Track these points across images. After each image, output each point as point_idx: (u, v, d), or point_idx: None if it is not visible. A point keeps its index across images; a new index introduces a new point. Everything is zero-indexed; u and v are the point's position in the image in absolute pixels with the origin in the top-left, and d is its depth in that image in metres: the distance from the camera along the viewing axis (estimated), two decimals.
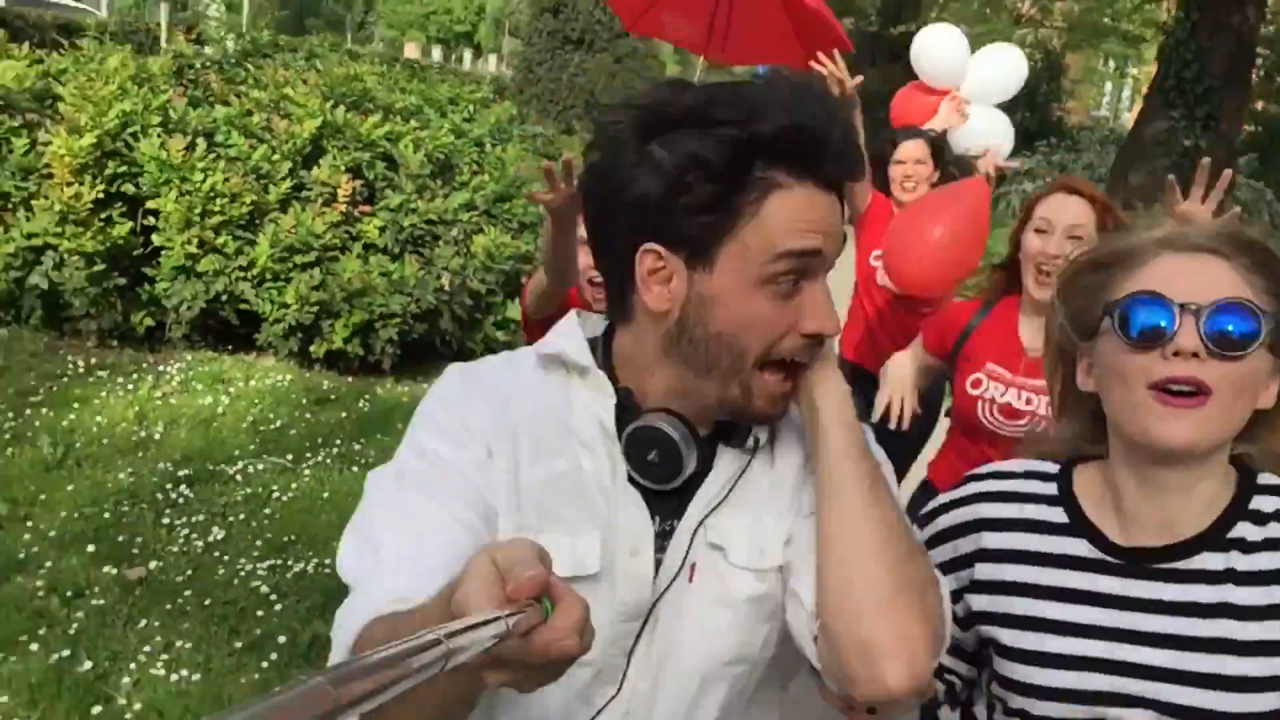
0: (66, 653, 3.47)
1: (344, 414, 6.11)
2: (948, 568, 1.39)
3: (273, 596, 4.02)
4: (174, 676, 3.43)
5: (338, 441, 5.71)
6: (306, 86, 7.78)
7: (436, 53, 30.75)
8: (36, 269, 6.24)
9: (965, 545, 1.40)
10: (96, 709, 3.23)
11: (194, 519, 4.59)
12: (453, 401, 1.18)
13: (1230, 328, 1.14)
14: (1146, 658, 1.23)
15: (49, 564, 4.03)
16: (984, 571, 1.36)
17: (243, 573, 4.17)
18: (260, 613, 3.90)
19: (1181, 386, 1.15)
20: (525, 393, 1.19)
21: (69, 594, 3.85)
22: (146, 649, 3.57)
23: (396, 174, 7.22)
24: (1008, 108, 7.21)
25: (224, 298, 6.46)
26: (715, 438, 1.21)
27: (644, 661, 1.17)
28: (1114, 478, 1.29)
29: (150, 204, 6.36)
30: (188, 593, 3.96)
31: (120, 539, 4.30)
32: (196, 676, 3.46)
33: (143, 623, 3.73)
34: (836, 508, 1.12)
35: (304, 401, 6.16)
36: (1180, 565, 1.24)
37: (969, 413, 2.74)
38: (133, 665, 3.46)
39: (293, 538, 4.55)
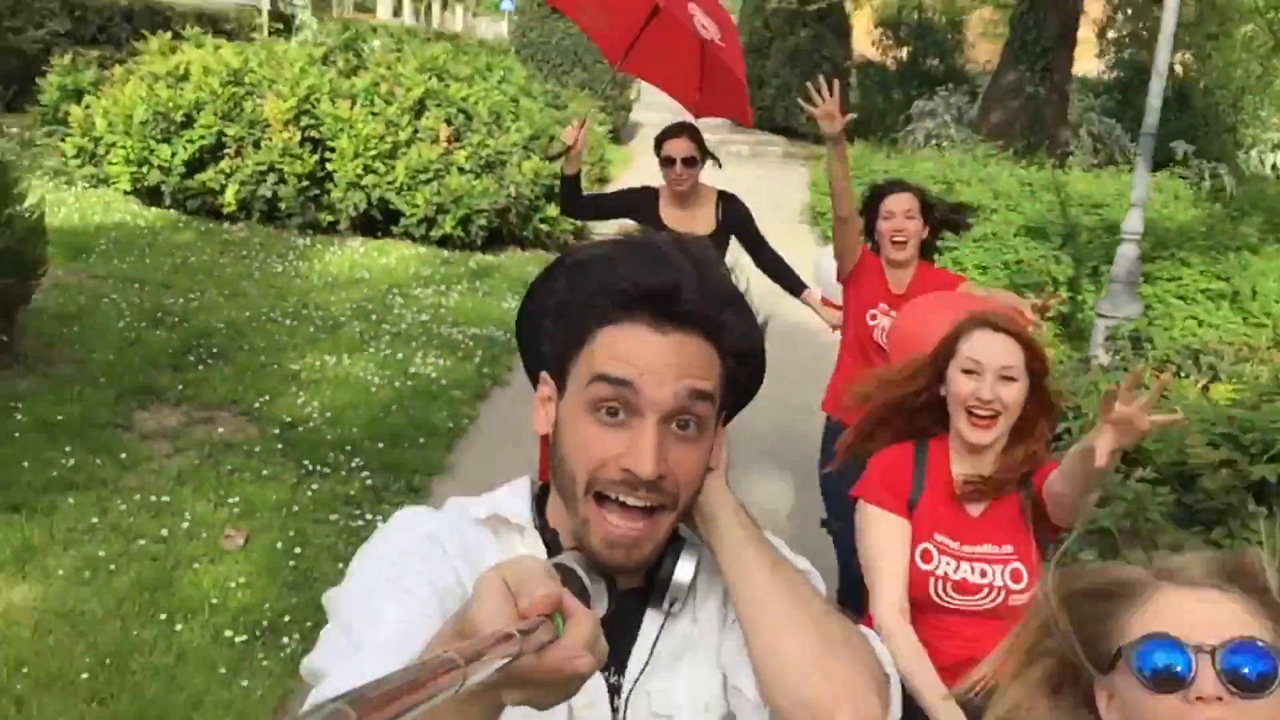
0: None
1: (457, 270, 10.03)
2: None
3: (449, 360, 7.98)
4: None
5: (456, 285, 9.61)
6: (405, 67, 11.54)
7: (407, 12, 32.09)
8: (262, 185, 10.08)
9: None
10: None
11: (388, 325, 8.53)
12: (413, 552, 1.15)
13: (1247, 670, 1.09)
14: None
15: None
16: None
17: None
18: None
19: None
20: (475, 553, 1.17)
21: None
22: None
23: (471, 121, 11.04)
24: (919, 52, 10.21)
25: (376, 202, 10.32)
26: (641, 598, 1.20)
27: None
28: None
29: (330, 144, 10.20)
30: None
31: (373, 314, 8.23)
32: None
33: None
34: (748, 592, 1.14)
35: (434, 262, 10.08)
36: None
37: (922, 590, 2.41)
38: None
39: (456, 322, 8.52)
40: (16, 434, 5.34)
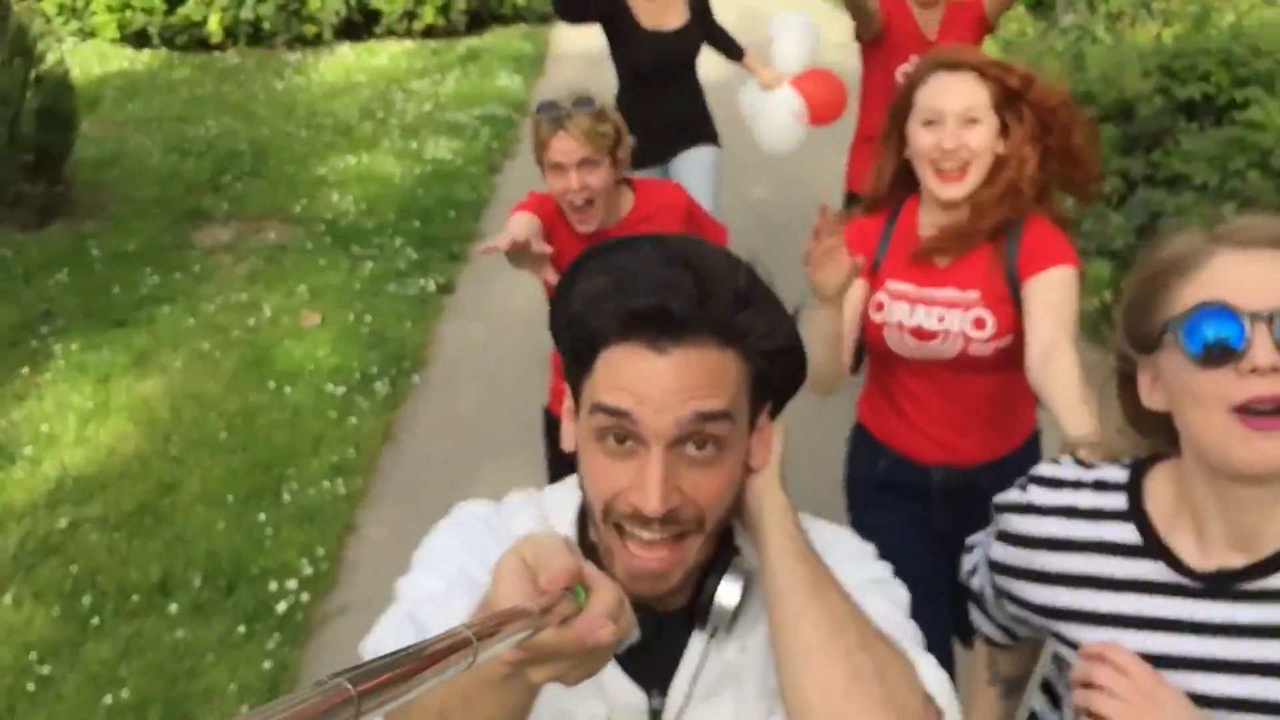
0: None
1: (447, 57, 10.35)
2: (1001, 570, 1.33)
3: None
4: None
5: (450, 71, 9.97)
6: None
7: None
8: (242, 7, 10.33)
9: (1018, 559, 1.29)
10: None
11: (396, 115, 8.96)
12: (476, 533, 1.12)
13: None
14: (1226, 687, 1.12)
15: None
16: (1045, 595, 1.26)
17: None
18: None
19: (1265, 406, 1.00)
20: None
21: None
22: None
23: None
24: None
25: (355, 5, 10.56)
26: (686, 619, 1.09)
27: None
28: (1190, 492, 1.14)
29: None
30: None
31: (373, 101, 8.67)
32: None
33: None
34: (780, 613, 1.02)
35: (423, 54, 10.41)
36: (1267, 584, 1.11)
37: (878, 342, 2.28)
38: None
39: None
40: (98, 266, 5.98)
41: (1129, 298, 1.17)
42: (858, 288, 2.22)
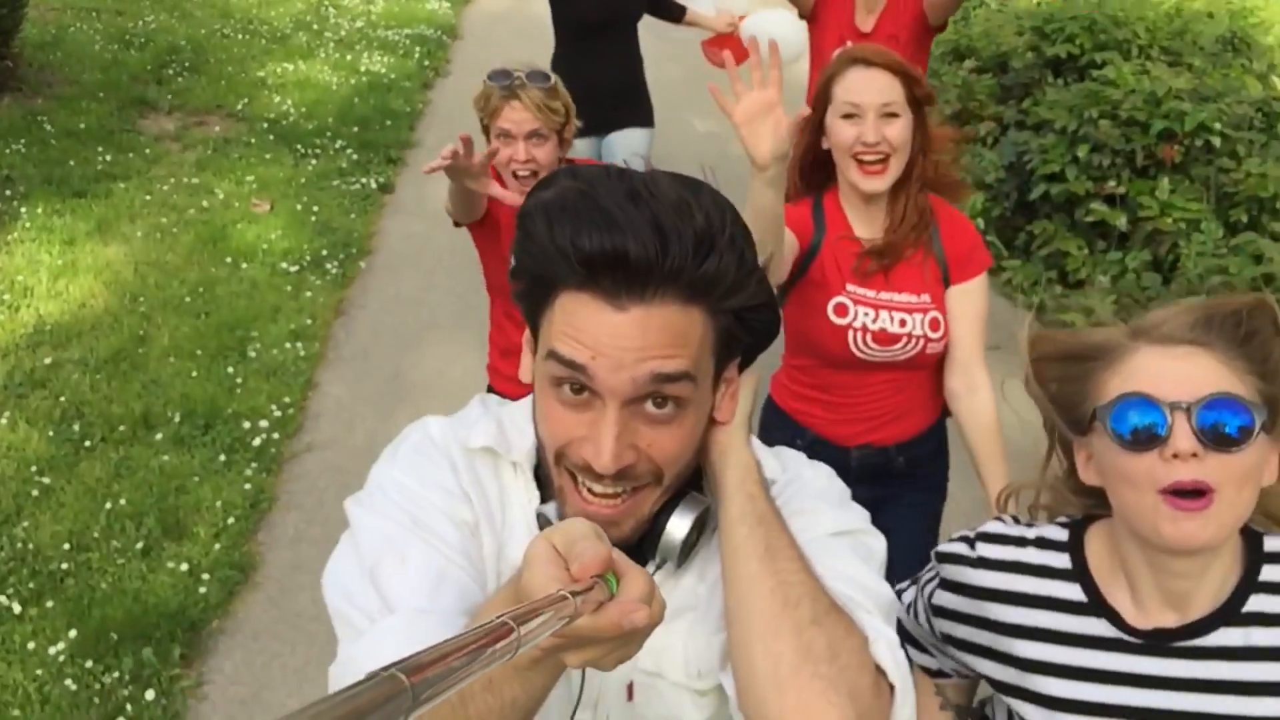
0: None
1: None
2: (945, 614, 1.36)
3: None
4: None
5: None
6: None
7: None
8: None
9: (966, 606, 1.33)
10: None
11: None
12: (426, 467, 1.05)
13: (1223, 423, 1.09)
14: None
15: None
16: (993, 641, 1.31)
17: None
18: None
19: (1187, 489, 1.09)
20: (482, 478, 1.07)
21: None
22: None
23: None
24: None
25: None
26: (638, 552, 1.02)
27: None
28: (1125, 557, 1.23)
29: None
30: None
31: None
32: None
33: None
34: (733, 580, 0.99)
35: None
36: (1199, 643, 1.19)
37: (841, 346, 2.23)
38: None
39: None
40: (53, 140, 6.19)
41: (1056, 371, 1.26)
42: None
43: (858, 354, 2.24)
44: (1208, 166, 4.76)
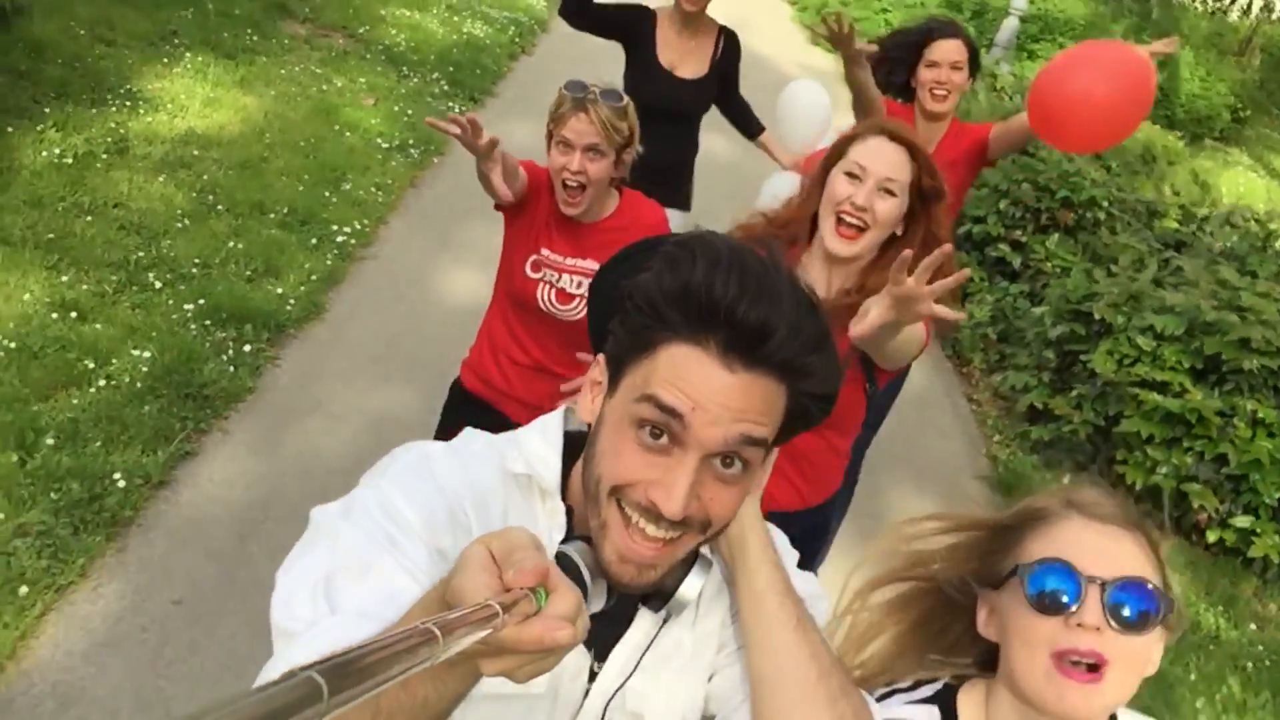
0: None
1: None
2: None
3: None
4: None
5: None
6: None
7: None
8: None
9: None
10: None
11: None
12: (417, 489, 1.02)
13: (1133, 605, 1.09)
14: None
15: None
16: None
17: None
18: None
19: (1082, 659, 1.09)
20: (489, 502, 1.05)
21: None
22: None
23: None
24: None
25: None
26: (642, 596, 1.06)
27: None
28: (999, 715, 1.21)
29: None
30: None
31: None
32: None
33: None
34: (768, 647, 1.02)
35: None
36: None
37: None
38: None
39: None
40: (212, 16, 7.42)
41: (985, 542, 1.25)
42: None
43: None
44: (1091, 234, 5.98)
